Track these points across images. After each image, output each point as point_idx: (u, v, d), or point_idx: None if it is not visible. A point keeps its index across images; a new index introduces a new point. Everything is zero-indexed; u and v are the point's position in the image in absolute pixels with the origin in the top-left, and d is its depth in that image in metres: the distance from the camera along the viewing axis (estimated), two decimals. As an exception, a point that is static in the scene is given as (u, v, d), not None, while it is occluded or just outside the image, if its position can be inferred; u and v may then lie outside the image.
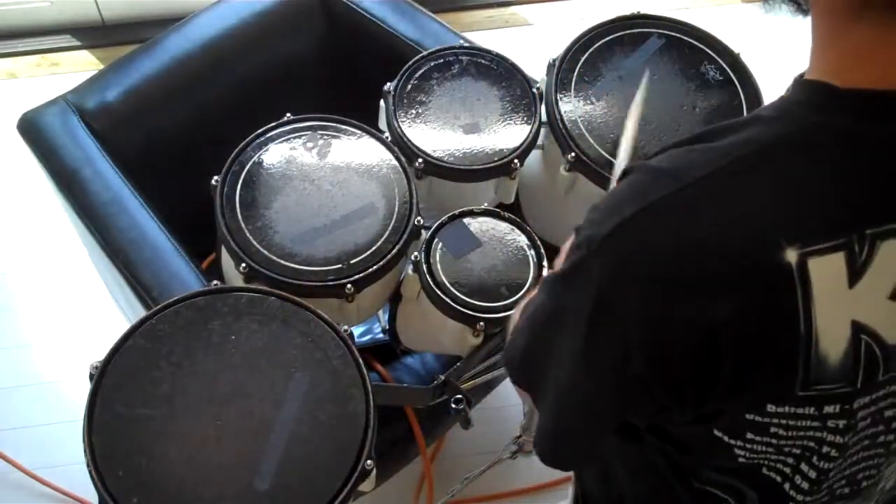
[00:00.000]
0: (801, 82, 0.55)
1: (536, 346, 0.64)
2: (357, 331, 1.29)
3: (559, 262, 0.78)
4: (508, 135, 1.15)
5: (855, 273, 0.51)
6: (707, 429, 0.57)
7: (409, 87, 1.18)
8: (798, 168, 0.51)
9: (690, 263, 0.51)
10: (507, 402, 1.62)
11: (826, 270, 0.50)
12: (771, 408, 0.55)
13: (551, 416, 0.64)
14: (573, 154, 1.10)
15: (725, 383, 0.53)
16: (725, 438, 0.57)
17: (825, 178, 0.51)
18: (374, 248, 1.03)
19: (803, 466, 0.59)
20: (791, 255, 0.50)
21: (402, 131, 1.14)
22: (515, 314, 0.76)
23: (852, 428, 0.56)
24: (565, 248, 0.76)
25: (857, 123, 0.51)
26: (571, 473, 0.86)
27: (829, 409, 0.55)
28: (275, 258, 1.01)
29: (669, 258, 0.51)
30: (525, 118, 1.16)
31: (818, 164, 0.51)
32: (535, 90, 1.18)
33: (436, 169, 1.12)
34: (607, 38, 1.20)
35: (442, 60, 1.21)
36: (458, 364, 1.07)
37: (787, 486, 0.61)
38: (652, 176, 0.55)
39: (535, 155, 1.20)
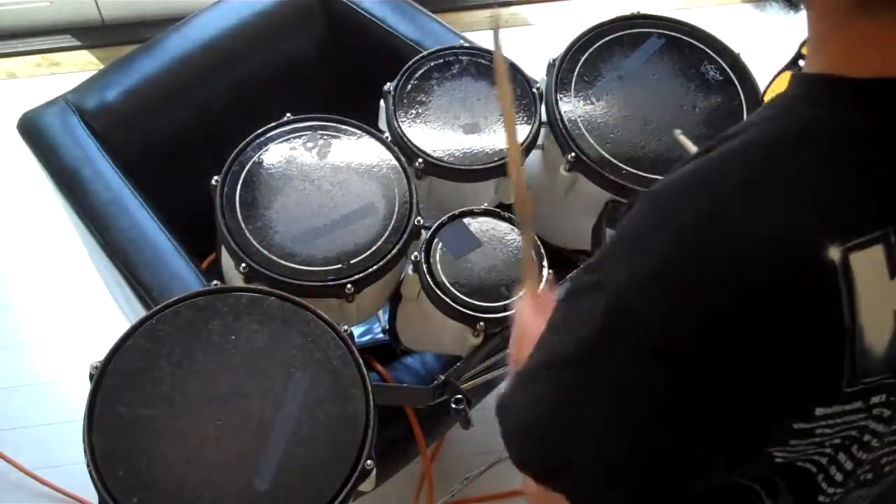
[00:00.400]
0: (803, 77, 0.54)
1: (565, 423, 0.56)
2: (357, 331, 1.29)
3: (522, 349, 0.71)
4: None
5: (894, 264, 0.50)
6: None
7: (409, 87, 1.18)
8: (820, 164, 0.50)
9: (745, 281, 0.49)
10: (507, 402, 1.61)
11: (867, 263, 0.49)
12: (819, 411, 0.54)
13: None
14: (573, 154, 1.10)
15: (779, 391, 0.52)
16: (769, 449, 0.57)
17: (849, 171, 0.50)
18: (374, 248, 1.03)
19: (841, 457, 0.58)
20: (834, 253, 0.49)
21: (402, 131, 1.14)
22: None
23: None
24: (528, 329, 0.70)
25: (871, 114, 0.50)
26: None
27: (875, 399, 0.54)
28: (275, 258, 1.01)
29: (724, 279, 0.49)
30: (525, 118, 1.16)
31: (840, 157, 0.50)
32: (535, 90, 1.18)
33: (436, 169, 1.12)
34: (607, 38, 1.20)
35: (442, 60, 1.21)
36: (458, 364, 1.07)
37: (820, 476, 0.60)
38: (677, 197, 0.53)
39: (535, 155, 1.20)
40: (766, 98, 0.83)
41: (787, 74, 0.81)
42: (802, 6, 0.55)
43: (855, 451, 0.58)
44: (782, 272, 0.49)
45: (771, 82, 0.82)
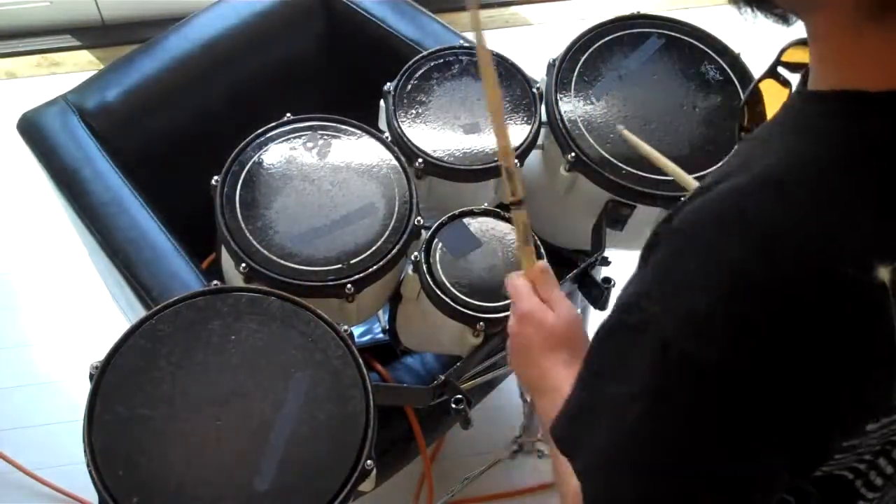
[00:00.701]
0: (822, 94, 0.53)
1: (674, 471, 0.55)
2: (357, 331, 1.29)
3: (551, 410, 0.68)
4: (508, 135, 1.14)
5: None
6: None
7: (409, 87, 1.18)
8: (863, 185, 0.49)
9: (798, 310, 0.49)
10: (508, 402, 1.62)
11: None
12: (870, 427, 0.54)
13: None
14: (573, 154, 1.10)
15: (838, 419, 0.52)
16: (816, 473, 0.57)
17: (893, 187, 0.49)
18: (374, 248, 1.03)
19: (881, 461, 0.58)
20: (884, 274, 0.48)
21: (402, 131, 1.14)
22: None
23: None
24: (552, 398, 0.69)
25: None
26: None
27: None
28: (275, 258, 1.01)
29: (778, 310, 0.49)
30: (525, 118, 1.16)
31: (880, 174, 0.49)
32: (535, 90, 1.18)
33: (436, 169, 1.12)
34: (607, 38, 1.20)
35: (442, 60, 1.21)
36: (458, 364, 1.07)
37: (859, 482, 0.59)
38: (707, 237, 0.51)
39: (535, 155, 1.20)
40: (749, 106, 0.82)
41: (769, 83, 0.80)
42: (802, 18, 0.54)
43: (895, 454, 0.58)
44: (836, 298, 0.48)
45: (751, 91, 0.81)
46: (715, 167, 1.10)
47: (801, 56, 0.75)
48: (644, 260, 0.56)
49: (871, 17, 0.48)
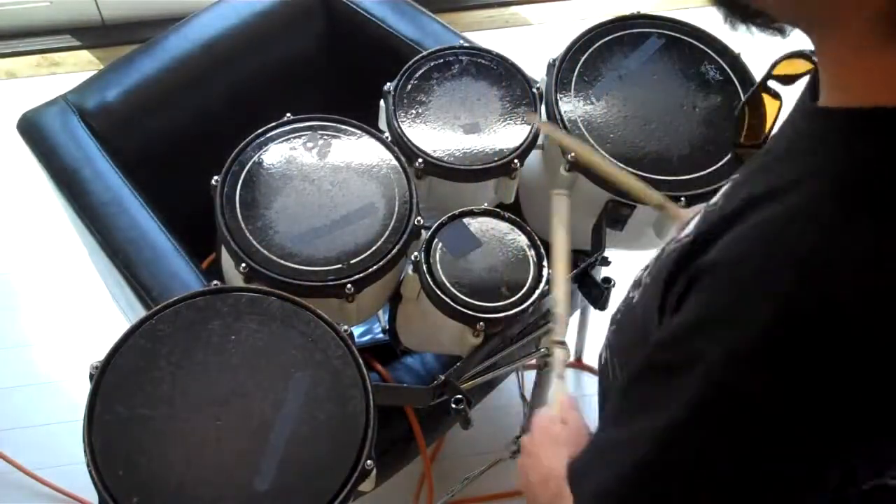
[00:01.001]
0: (839, 112, 0.52)
1: (664, 499, 0.55)
2: (357, 331, 1.29)
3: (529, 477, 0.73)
4: (508, 135, 1.15)
5: None
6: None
7: (409, 87, 1.18)
8: (888, 202, 0.48)
9: (851, 340, 0.48)
10: (507, 402, 1.62)
11: None
12: None
13: None
14: (573, 154, 1.10)
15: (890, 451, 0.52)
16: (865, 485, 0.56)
17: None
18: (374, 248, 1.03)
19: None
20: None
21: (402, 131, 1.14)
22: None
23: None
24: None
25: None
26: None
27: None
28: (275, 258, 1.01)
29: (828, 342, 0.48)
30: (525, 118, 1.16)
31: None
32: (535, 90, 1.18)
33: (436, 169, 1.12)
34: (607, 38, 1.20)
35: (442, 60, 1.21)
36: (458, 364, 1.07)
37: None
38: (753, 269, 0.50)
39: (535, 155, 1.20)
40: (744, 123, 0.82)
41: (763, 97, 0.80)
42: (813, 36, 0.53)
43: None
44: (890, 327, 0.48)
45: (743, 107, 0.81)
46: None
47: (792, 68, 0.75)
48: (682, 294, 0.55)
49: (889, 37, 0.47)
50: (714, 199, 0.64)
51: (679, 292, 0.56)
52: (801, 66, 0.73)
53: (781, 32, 0.55)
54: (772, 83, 0.79)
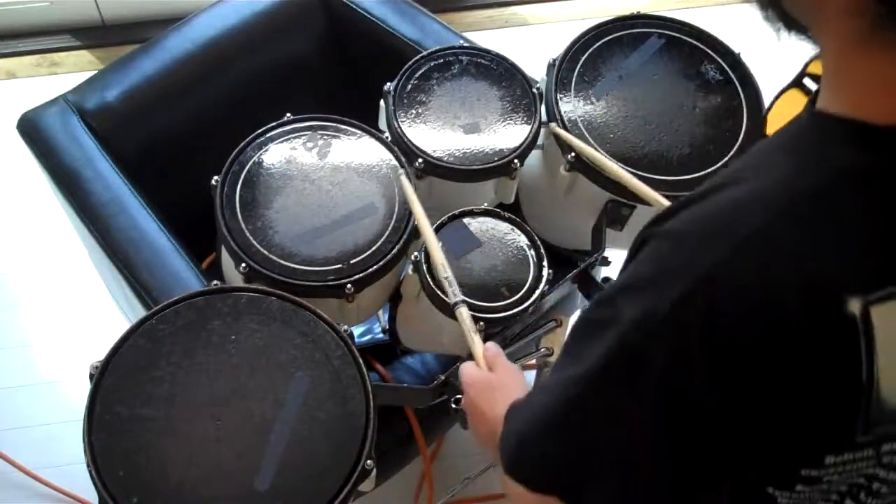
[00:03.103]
0: (820, 117, 0.53)
1: (581, 445, 0.57)
2: (357, 331, 1.29)
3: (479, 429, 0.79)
4: (508, 135, 1.15)
5: None
6: (759, 487, 0.56)
7: (409, 87, 1.18)
8: (842, 215, 0.49)
9: (761, 331, 0.49)
10: (507, 402, 1.61)
11: (887, 317, 0.49)
12: (829, 459, 0.53)
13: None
14: (573, 154, 1.10)
15: (791, 439, 0.52)
16: (773, 492, 0.56)
17: (872, 223, 0.50)
18: (374, 248, 1.03)
19: (847, 502, 0.58)
20: (854, 306, 0.48)
21: (402, 131, 1.14)
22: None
23: None
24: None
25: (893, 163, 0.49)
26: None
27: (886, 447, 0.54)
28: (275, 258, 1.01)
29: (739, 323, 0.49)
30: (525, 118, 1.16)
31: (865, 208, 0.50)
32: (535, 90, 1.18)
33: (436, 169, 1.12)
34: (607, 38, 1.20)
35: (442, 60, 1.21)
36: (458, 364, 1.07)
37: None
38: (692, 241, 0.52)
39: (535, 155, 1.20)
40: (770, 119, 0.82)
41: (794, 93, 0.80)
42: (813, 35, 0.53)
43: (863, 497, 0.58)
44: (801, 324, 0.48)
45: (774, 101, 0.81)
46: (715, 168, 1.10)
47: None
48: (629, 258, 0.57)
49: (874, 36, 0.48)
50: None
51: (630, 254, 0.58)
52: None
53: (810, 38, 0.55)
54: (807, 81, 0.79)
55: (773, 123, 0.84)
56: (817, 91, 0.56)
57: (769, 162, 0.54)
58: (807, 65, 0.77)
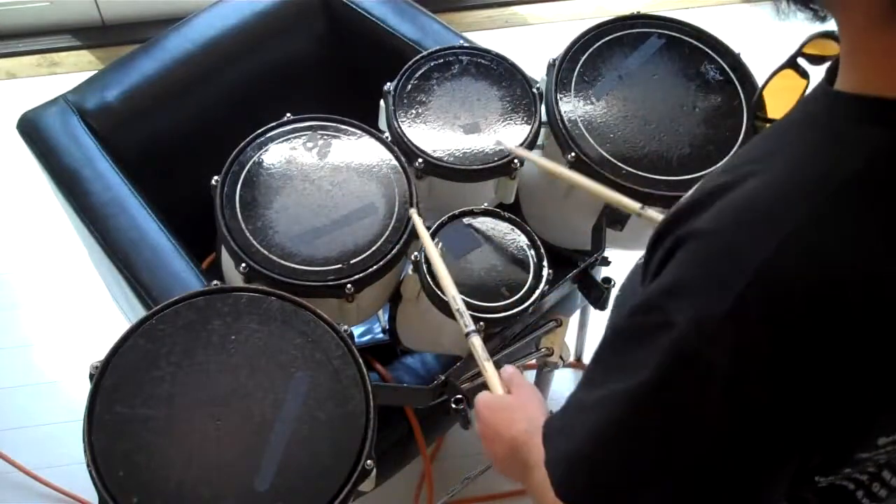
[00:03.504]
0: (844, 97, 0.52)
1: (641, 459, 0.55)
2: (357, 331, 1.29)
3: (492, 445, 0.76)
4: (508, 135, 1.15)
5: None
6: (810, 475, 0.56)
7: (409, 87, 1.18)
8: (888, 195, 0.49)
9: (820, 319, 0.48)
10: (507, 402, 1.61)
11: None
12: (882, 440, 0.53)
13: None
14: (573, 154, 1.10)
15: (851, 427, 0.51)
16: (818, 478, 0.56)
17: None
18: (374, 248, 1.03)
19: (885, 473, 0.58)
20: None
21: (402, 131, 1.14)
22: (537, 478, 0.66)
23: None
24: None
25: None
26: None
27: None
28: (275, 258, 1.01)
29: (802, 314, 0.48)
30: (525, 118, 1.16)
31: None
32: (535, 90, 1.18)
33: (436, 169, 1.12)
34: (607, 38, 1.20)
35: (442, 60, 1.21)
36: (458, 364, 1.07)
37: (860, 493, 0.59)
38: (735, 239, 0.51)
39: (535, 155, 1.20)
40: (767, 95, 0.82)
41: (789, 73, 0.80)
42: (832, 14, 0.53)
43: None
44: (862, 306, 0.48)
45: (769, 79, 0.81)
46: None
47: (822, 49, 0.74)
48: (664, 259, 0.55)
49: (892, 14, 0.47)
50: (716, 168, 0.64)
51: (661, 257, 0.56)
52: (831, 48, 0.72)
53: (821, 17, 0.54)
54: (802, 62, 0.79)
55: (770, 102, 0.84)
56: (830, 71, 0.56)
57: (792, 146, 0.53)
58: (803, 44, 0.77)
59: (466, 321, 0.92)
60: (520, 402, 0.80)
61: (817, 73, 0.64)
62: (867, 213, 0.48)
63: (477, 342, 0.90)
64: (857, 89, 0.51)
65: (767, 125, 0.84)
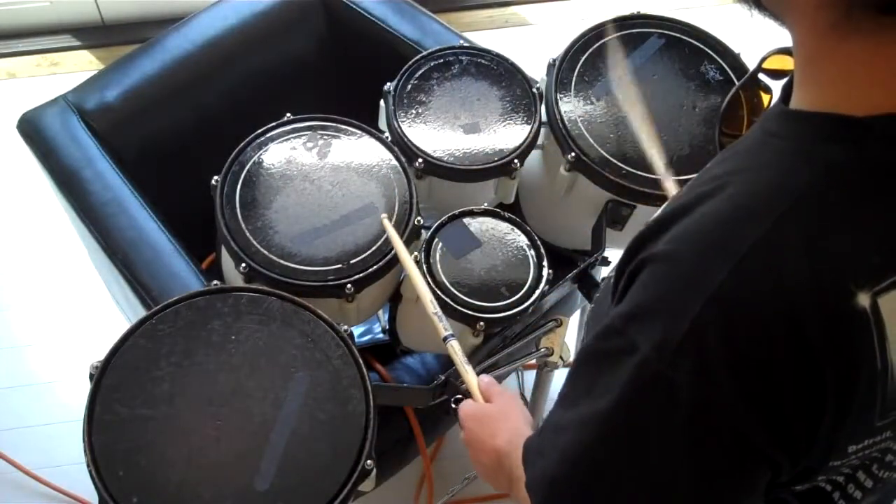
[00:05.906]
0: (799, 115, 0.52)
1: (612, 481, 0.56)
2: (357, 331, 1.29)
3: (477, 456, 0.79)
4: (508, 135, 1.15)
5: None
6: (784, 486, 0.56)
7: (409, 87, 1.18)
8: (841, 211, 0.49)
9: (777, 341, 0.49)
10: (507, 402, 1.62)
11: (895, 304, 0.49)
12: (851, 448, 0.54)
13: None
14: (573, 154, 1.10)
15: (819, 438, 0.51)
16: (797, 487, 0.56)
17: (874, 215, 0.49)
18: (374, 248, 1.03)
19: (860, 475, 0.58)
20: (864, 299, 0.48)
21: (402, 131, 1.14)
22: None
23: None
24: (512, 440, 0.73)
25: (887, 152, 0.49)
26: None
27: None
28: (275, 258, 1.01)
29: (758, 336, 0.49)
30: (525, 118, 1.16)
31: (858, 201, 0.49)
32: (535, 90, 1.18)
33: (436, 169, 1.12)
34: (607, 38, 1.20)
35: (442, 60, 1.21)
36: (453, 368, 1.07)
37: (836, 494, 0.59)
38: (692, 262, 0.51)
39: (535, 155, 1.20)
40: (731, 110, 0.83)
41: (752, 90, 0.80)
42: (783, 23, 0.53)
43: (875, 469, 0.58)
44: (815, 326, 0.48)
45: (732, 95, 0.82)
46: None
47: (781, 64, 0.75)
48: (627, 282, 0.56)
49: (848, 25, 0.47)
50: (682, 189, 0.65)
51: (626, 281, 0.57)
52: (790, 63, 0.73)
53: (779, 19, 0.54)
54: (764, 77, 0.80)
55: (734, 117, 0.85)
56: (785, 89, 0.56)
57: (748, 166, 0.53)
58: (762, 60, 0.77)
59: (445, 325, 0.93)
60: (502, 412, 0.82)
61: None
62: (821, 228, 0.49)
63: (456, 346, 0.91)
64: (814, 106, 0.51)
65: (731, 140, 0.84)
